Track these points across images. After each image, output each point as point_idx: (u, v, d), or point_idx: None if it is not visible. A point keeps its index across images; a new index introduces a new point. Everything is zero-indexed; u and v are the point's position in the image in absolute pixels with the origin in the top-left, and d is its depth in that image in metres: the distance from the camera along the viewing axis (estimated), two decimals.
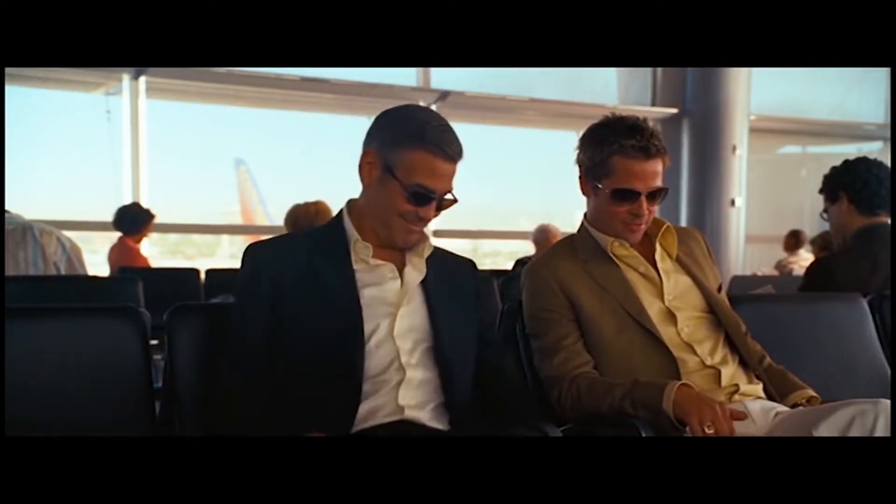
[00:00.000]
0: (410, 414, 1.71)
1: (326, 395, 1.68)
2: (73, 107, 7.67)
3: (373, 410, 1.70)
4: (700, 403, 1.78)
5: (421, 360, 1.77)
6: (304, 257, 1.78)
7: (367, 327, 1.73)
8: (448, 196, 1.79)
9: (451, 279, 1.89)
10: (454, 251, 2.01)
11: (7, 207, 3.45)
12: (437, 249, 1.89)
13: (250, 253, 1.80)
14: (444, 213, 1.82)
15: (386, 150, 1.77)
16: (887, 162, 2.93)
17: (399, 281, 1.81)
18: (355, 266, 1.78)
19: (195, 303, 3.34)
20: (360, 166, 1.81)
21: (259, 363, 1.72)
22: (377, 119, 1.83)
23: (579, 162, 2.07)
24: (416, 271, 1.83)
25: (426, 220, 1.79)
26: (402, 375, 1.73)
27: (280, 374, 1.72)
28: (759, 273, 7.06)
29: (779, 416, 1.90)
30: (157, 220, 5.75)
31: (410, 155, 1.74)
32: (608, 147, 1.98)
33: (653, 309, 2.00)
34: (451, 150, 1.75)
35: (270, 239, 1.92)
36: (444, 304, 1.83)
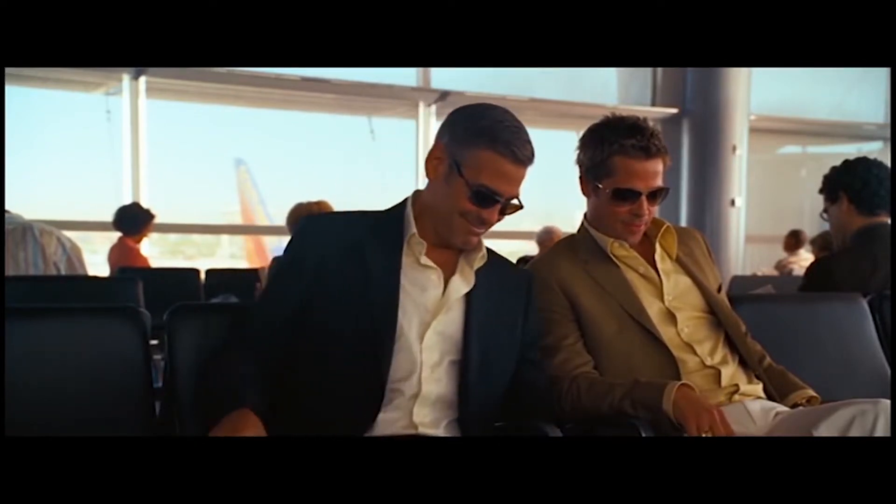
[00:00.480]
0: (425, 431, 1.68)
1: (345, 392, 1.65)
2: (73, 107, 7.68)
3: (386, 422, 1.66)
4: (699, 409, 1.77)
5: (443, 374, 1.72)
6: (357, 238, 1.73)
7: (397, 329, 1.68)
8: (514, 201, 1.73)
9: (500, 293, 1.82)
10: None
11: (7, 207, 3.45)
12: (494, 257, 1.83)
13: (305, 226, 1.78)
14: None
15: (455, 147, 1.71)
16: (887, 162, 2.93)
17: (442, 289, 1.74)
18: (404, 259, 1.73)
19: (195, 303, 3.34)
20: (427, 160, 1.75)
21: (273, 349, 1.69)
22: (451, 114, 1.78)
23: (579, 162, 2.07)
24: (463, 282, 1.76)
25: (488, 224, 1.73)
26: (417, 389, 1.68)
27: (301, 358, 1.69)
28: (759, 273, 7.06)
29: (779, 416, 1.90)
30: (157, 220, 5.75)
31: (479, 154, 1.68)
32: (608, 147, 1.98)
33: (653, 309, 2.00)
34: (521, 154, 1.69)
35: (331, 214, 1.87)
36: (484, 319, 1.76)
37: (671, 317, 2.01)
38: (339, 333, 1.68)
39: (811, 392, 2.02)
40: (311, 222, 1.80)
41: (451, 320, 1.74)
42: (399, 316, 1.69)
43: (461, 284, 1.76)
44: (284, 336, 1.70)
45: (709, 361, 1.98)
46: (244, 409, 1.54)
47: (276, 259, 1.86)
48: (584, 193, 2.09)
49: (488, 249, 1.82)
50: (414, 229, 1.74)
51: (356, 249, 1.71)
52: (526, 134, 1.72)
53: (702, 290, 2.07)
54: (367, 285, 1.68)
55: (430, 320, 1.72)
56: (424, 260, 1.73)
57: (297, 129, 8.89)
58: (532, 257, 2.98)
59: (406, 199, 1.81)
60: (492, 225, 1.74)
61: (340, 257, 1.70)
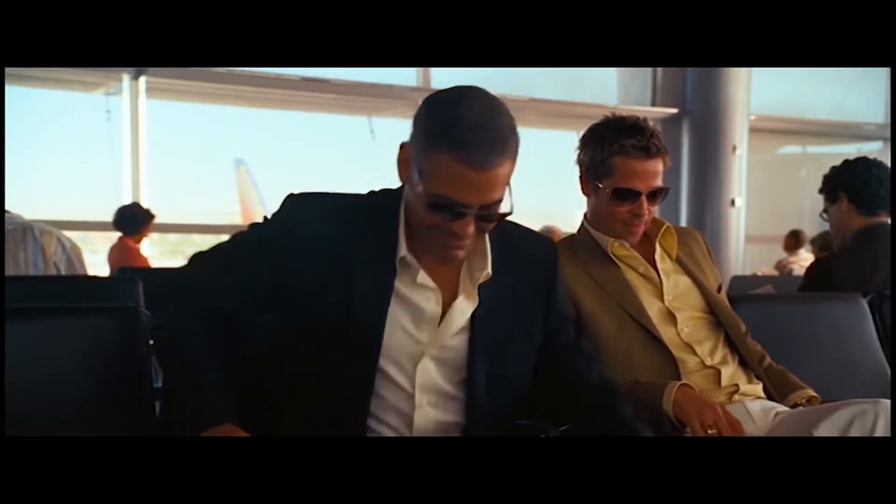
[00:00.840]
0: None
1: (329, 417, 1.53)
2: (73, 107, 7.69)
3: None
4: (701, 405, 1.78)
5: (444, 396, 1.57)
6: (346, 242, 1.50)
7: (383, 364, 1.51)
8: (505, 206, 1.45)
9: (513, 286, 1.60)
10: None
11: (7, 207, 3.45)
12: (508, 235, 1.59)
13: (292, 215, 1.53)
14: None
15: (415, 148, 1.44)
16: (887, 162, 2.93)
17: (440, 312, 1.53)
18: (397, 280, 1.51)
19: None
20: (397, 162, 1.50)
21: (241, 336, 1.54)
22: (421, 104, 1.48)
23: (579, 162, 2.07)
24: (466, 303, 1.54)
25: (464, 237, 1.44)
26: (410, 422, 1.56)
27: (279, 367, 1.58)
28: (759, 273, 7.06)
29: (779, 416, 1.90)
30: (157, 220, 5.76)
31: (433, 157, 1.39)
32: (609, 147, 1.98)
33: (652, 309, 2.00)
34: (478, 157, 1.37)
35: (322, 203, 1.55)
36: (492, 335, 1.56)
37: (671, 317, 2.01)
38: (316, 358, 1.52)
39: (811, 392, 2.02)
40: (298, 211, 1.53)
41: (452, 347, 1.56)
42: (384, 350, 1.50)
43: (465, 306, 1.55)
44: (253, 326, 1.57)
45: (709, 361, 1.98)
46: (229, 426, 1.40)
47: (241, 234, 1.57)
48: (584, 193, 2.09)
49: (500, 224, 1.51)
50: (405, 250, 1.50)
51: (343, 260, 1.49)
52: (493, 129, 1.40)
53: (702, 290, 2.07)
54: (349, 308, 1.48)
55: (425, 352, 1.54)
56: (421, 278, 1.52)
57: (297, 129, 8.90)
58: None
59: (398, 195, 1.55)
60: (469, 237, 1.45)
61: (327, 262, 1.49)
